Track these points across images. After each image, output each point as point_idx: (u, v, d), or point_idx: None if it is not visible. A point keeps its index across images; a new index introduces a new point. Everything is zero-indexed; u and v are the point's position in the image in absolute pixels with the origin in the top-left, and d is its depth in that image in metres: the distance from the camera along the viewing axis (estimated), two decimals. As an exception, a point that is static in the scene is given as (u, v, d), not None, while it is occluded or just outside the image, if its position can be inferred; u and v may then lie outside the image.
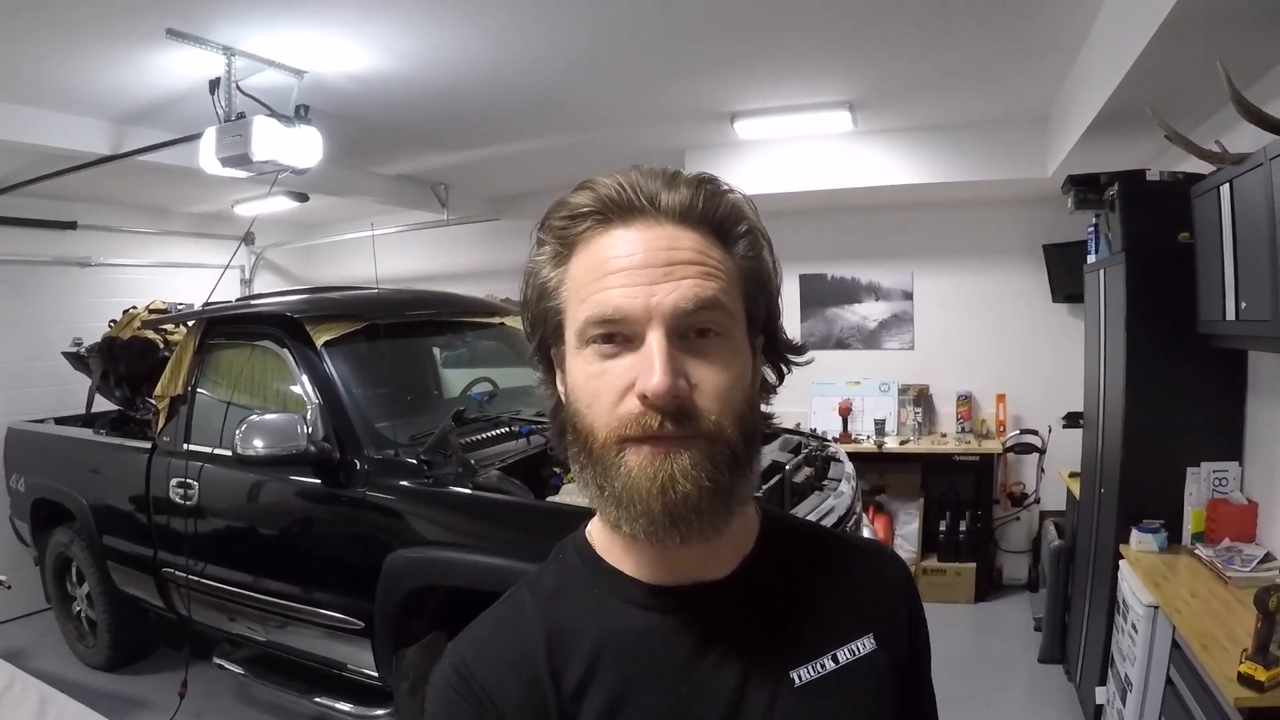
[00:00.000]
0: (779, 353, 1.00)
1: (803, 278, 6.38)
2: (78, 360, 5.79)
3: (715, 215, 0.90)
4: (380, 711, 3.62)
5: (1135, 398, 3.55)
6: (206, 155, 3.81)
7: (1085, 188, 3.90)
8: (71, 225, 6.46)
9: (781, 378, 1.00)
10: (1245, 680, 2.27)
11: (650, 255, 0.84)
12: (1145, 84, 3.06)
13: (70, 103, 4.22)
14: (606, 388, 0.83)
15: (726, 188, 0.93)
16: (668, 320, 0.82)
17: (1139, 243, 3.55)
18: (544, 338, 0.94)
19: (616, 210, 0.88)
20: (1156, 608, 3.06)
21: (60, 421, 5.74)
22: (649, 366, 0.80)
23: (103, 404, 5.79)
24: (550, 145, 5.40)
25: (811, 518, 3.24)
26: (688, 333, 0.83)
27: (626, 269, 0.84)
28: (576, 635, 0.90)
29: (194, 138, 4.00)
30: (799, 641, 0.92)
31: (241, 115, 3.70)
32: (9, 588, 4.55)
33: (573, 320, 0.87)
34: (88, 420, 5.69)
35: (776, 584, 0.94)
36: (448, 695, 0.91)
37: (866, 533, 4.04)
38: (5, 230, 6.05)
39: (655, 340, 0.81)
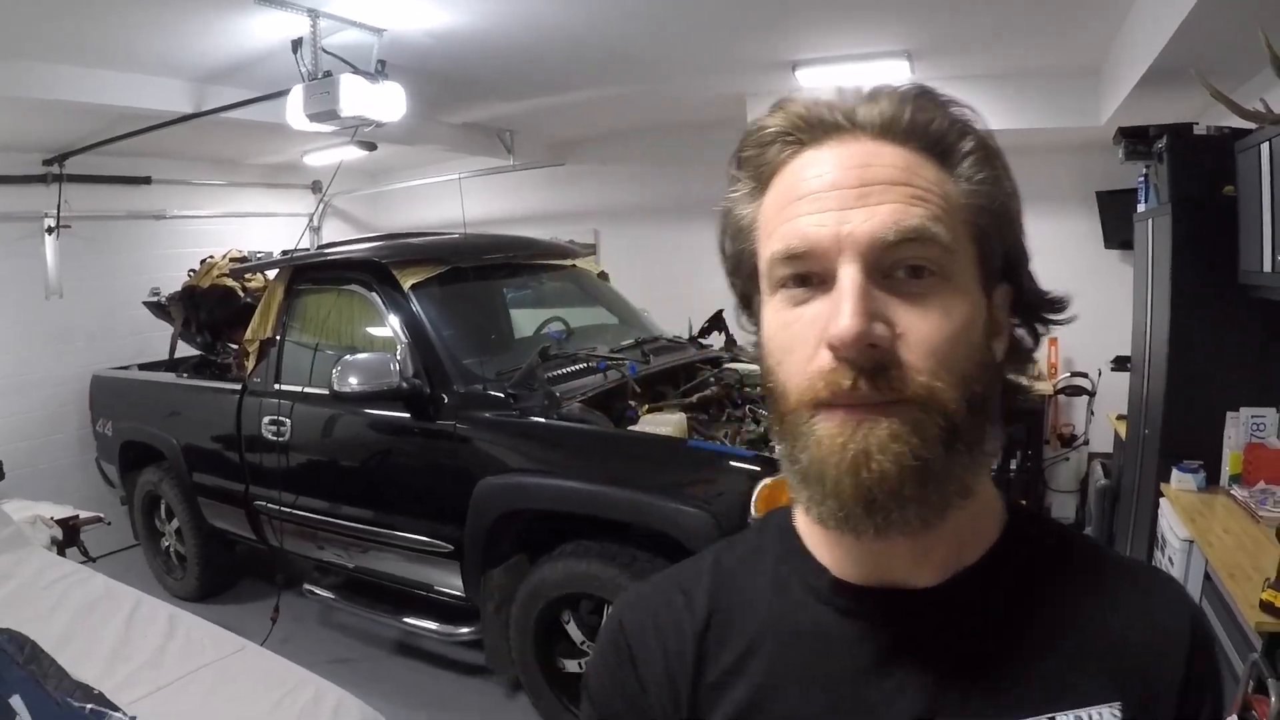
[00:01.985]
0: (1030, 308, 0.81)
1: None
2: (159, 309, 6.03)
3: (929, 129, 0.73)
4: (465, 629, 3.89)
5: (1179, 343, 3.65)
6: (294, 112, 3.97)
7: (1135, 139, 3.98)
8: (146, 180, 6.68)
9: (1037, 340, 0.82)
10: (1266, 607, 2.42)
11: (841, 175, 0.70)
12: (1192, 42, 3.13)
13: (155, 65, 4.38)
14: (798, 339, 0.70)
15: (947, 98, 0.76)
16: (863, 252, 0.67)
17: (1185, 194, 3.62)
18: (744, 288, 0.83)
19: (808, 130, 0.74)
20: (1192, 542, 3.20)
21: (143, 368, 6.01)
22: (837, 307, 0.66)
23: (183, 349, 6.07)
24: (614, 93, 5.53)
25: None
26: (894, 270, 0.68)
27: (814, 193, 0.70)
28: (741, 617, 0.81)
29: (277, 95, 4.16)
30: (1011, 689, 0.72)
31: (328, 74, 3.87)
32: (109, 524, 4.83)
33: (763, 261, 0.76)
34: (170, 366, 5.95)
35: (999, 607, 0.75)
36: (603, 642, 0.88)
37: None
38: (84, 187, 6.26)
39: (847, 276, 0.67)
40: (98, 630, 2.74)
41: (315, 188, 8.14)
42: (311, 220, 8.13)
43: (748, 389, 4.12)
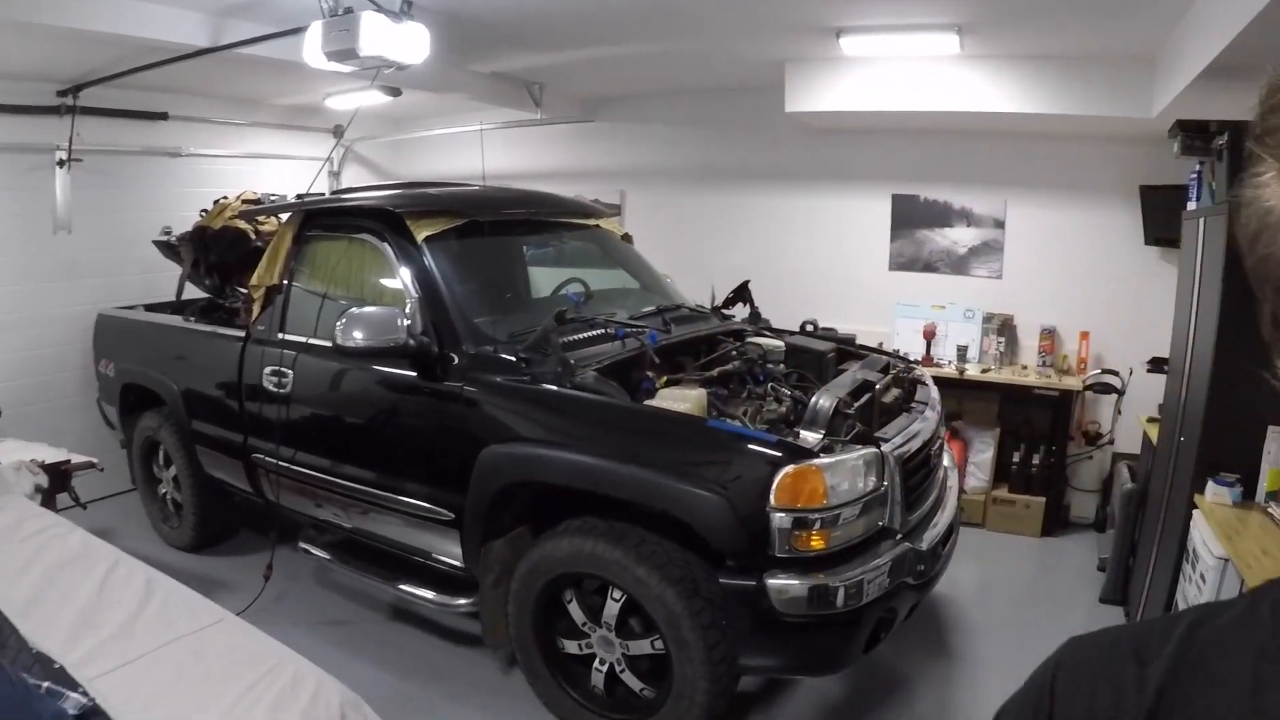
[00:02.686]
0: None
1: (895, 197, 6.28)
2: (168, 249, 5.85)
3: None
4: (462, 600, 3.72)
5: (1225, 350, 3.44)
6: (311, 49, 3.79)
7: (1194, 134, 3.80)
8: (163, 116, 6.49)
9: None
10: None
11: None
12: (1266, 36, 2.92)
13: None
14: None
15: None
16: None
17: (1245, 194, 3.44)
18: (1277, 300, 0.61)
19: None
20: (1227, 560, 3.05)
21: (149, 309, 5.83)
22: None
23: (192, 292, 5.89)
24: (648, 50, 5.31)
25: (898, 440, 3.25)
26: None
27: None
28: (1201, 715, 0.62)
29: (295, 31, 3.98)
30: None
31: (349, 10, 3.69)
32: (101, 470, 4.70)
33: None
34: (177, 308, 5.77)
35: None
36: (1030, 687, 0.74)
37: (946, 459, 4.04)
38: (98, 120, 6.07)
39: None
40: (69, 593, 2.59)
41: (336, 132, 7.86)
42: (330, 164, 7.98)
43: (770, 365, 3.95)
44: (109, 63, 5.31)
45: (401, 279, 3.80)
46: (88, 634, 2.35)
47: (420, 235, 3.84)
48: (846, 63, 5.24)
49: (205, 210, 5.62)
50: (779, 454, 2.82)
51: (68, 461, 4.45)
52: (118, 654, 2.26)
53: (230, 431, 4.60)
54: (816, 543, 2.81)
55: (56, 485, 4.36)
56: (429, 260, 3.79)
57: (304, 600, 4.70)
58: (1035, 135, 5.70)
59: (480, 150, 6.53)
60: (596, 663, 3.33)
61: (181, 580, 4.73)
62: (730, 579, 2.91)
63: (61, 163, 5.88)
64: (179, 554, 5.32)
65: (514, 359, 3.44)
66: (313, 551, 4.35)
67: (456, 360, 3.53)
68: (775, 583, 2.82)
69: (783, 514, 2.76)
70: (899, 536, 3.11)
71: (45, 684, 1.91)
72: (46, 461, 4.32)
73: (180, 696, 2.10)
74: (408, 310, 3.63)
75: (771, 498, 2.75)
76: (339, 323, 3.49)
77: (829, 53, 5.04)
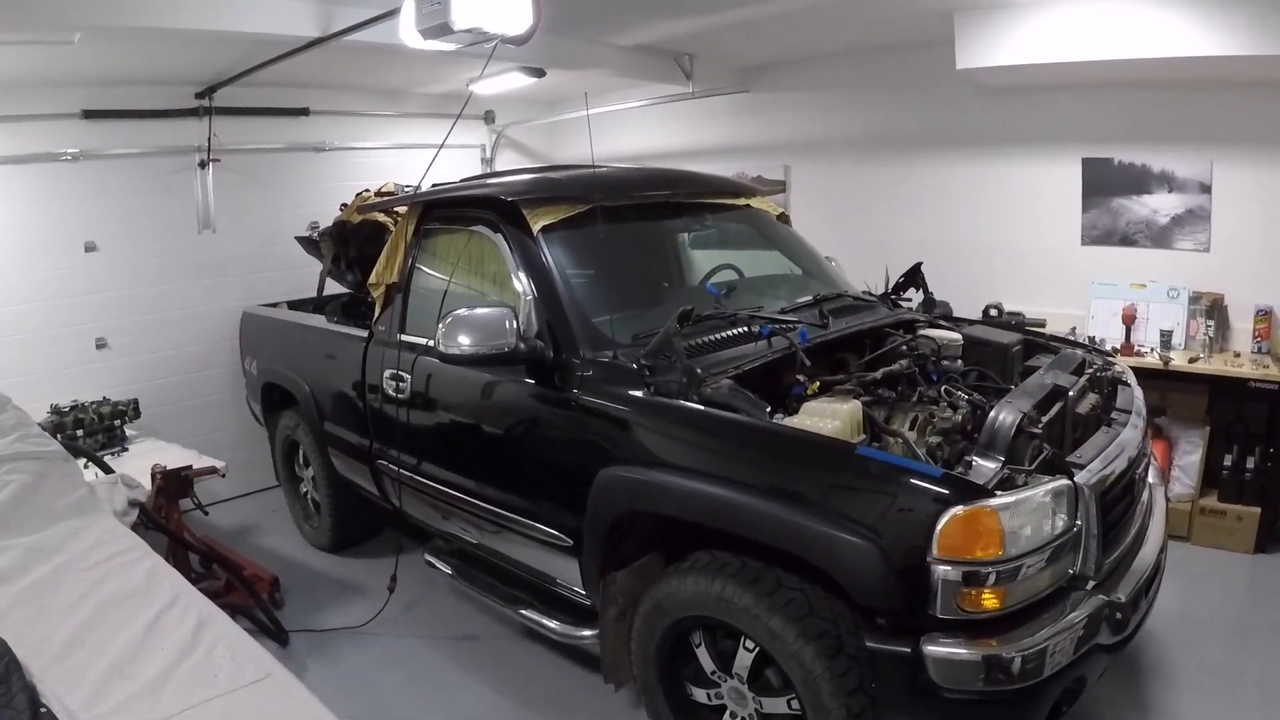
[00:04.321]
0: None
1: (1085, 162, 5.53)
2: (310, 245, 5.81)
3: None
4: (588, 633, 3.38)
5: None
6: (406, 28, 3.53)
7: None
8: (304, 111, 6.50)
9: None
10: None
11: None
12: None
13: None
14: None
15: None
16: None
17: None
18: None
19: None
20: None
21: (292, 306, 5.83)
22: None
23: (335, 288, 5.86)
24: (805, 6, 4.81)
25: (1096, 465, 2.65)
26: None
27: None
28: None
29: (390, 14, 3.77)
30: None
31: (442, -18, 3.38)
32: (223, 475, 4.64)
33: None
34: (319, 304, 5.72)
35: None
36: None
37: (1151, 474, 3.38)
38: (238, 120, 6.12)
39: None
40: (114, 634, 2.41)
41: (488, 118, 7.83)
42: (484, 150, 7.87)
43: (945, 361, 3.40)
44: (235, 62, 5.32)
45: (515, 275, 3.47)
46: (117, 686, 2.16)
47: (536, 225, 3.48)
48: (1022, 9, 4.64)
49: (345, 204, 5.51)
50: (945, 491, 2.28)
51: (190, 468, 4.36)
52: (141, 713, 2.05)
53: (356, 435, 4.45)
54: (990, 602, 2.27)
55: (178, 491, 4.30)
56: (545, 253, 3.44)
57: (435, 611, 4.53)
58: (1245, 84, 4.85)
59: (642, 128, 6.21)
60: (727, 716, 2.91)
61: (316, 581, 4.88)
62: (879, 642, 2.40)
63: (203, 163, 5.96)
64: (319, 554, 5.30)
65: (635, 367, 3.01)
66: (437, 564, 4.14)
67: (571, 367, 3.16)
68: (935, 650, 2.29)
69: (948, 566, 2.23)
70: (1092, 585, 2.52)
71: None
72: (168, 467, 4.25)
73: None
74: (520, 310, 3.28)
75: (934, 546, 2.23)
76: (441, 326, 3.17)
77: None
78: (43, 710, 1.91)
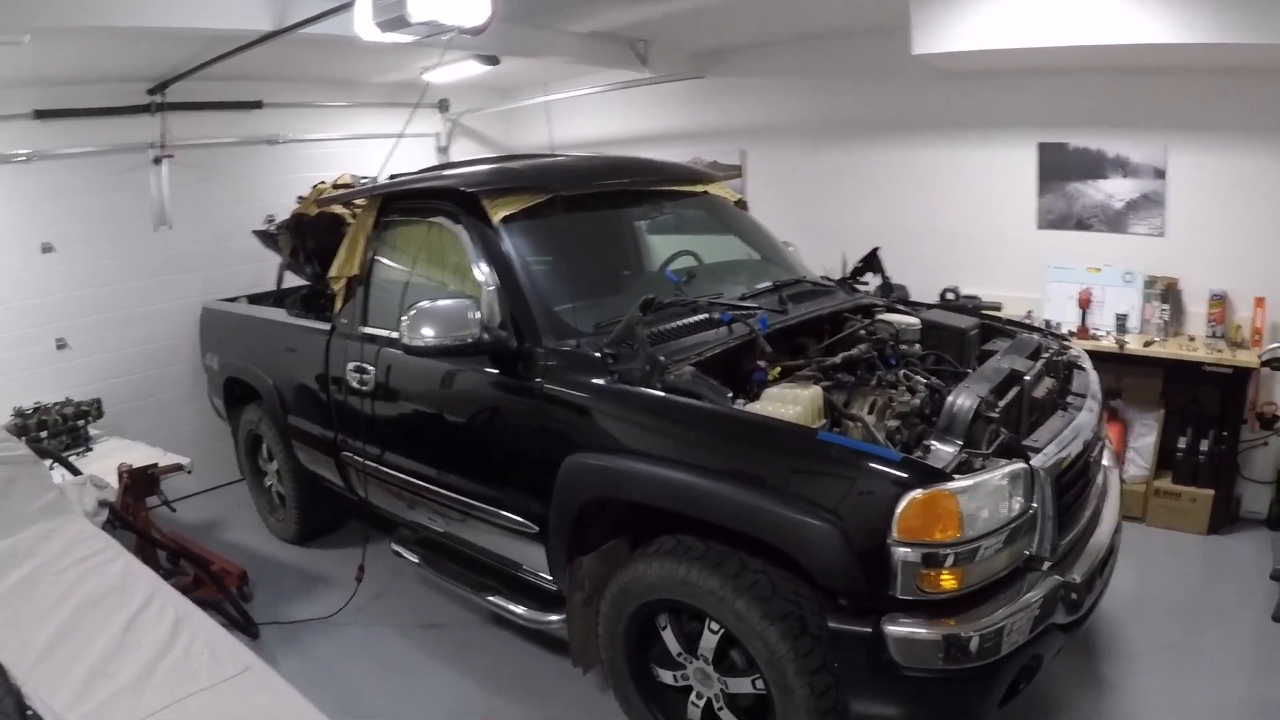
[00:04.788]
0: None
1: (1041, 147, 5.58)
2: (267, 238, 5.76)
3: None
4: (554, 618, 3.41)
5: None
6: (363, 21, 3.52)
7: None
8: (257, 105, 6.45)
9: None
10: None
11: None
12: None
13: None
14: None
15: None
16: None
17: None
18: None
19: None
20: None
21: (252, 300, 5.79)
22: None
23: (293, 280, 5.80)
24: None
25: (1051, 449, 2.71)
26: None
27: None
28: None
29: (345, 7, 3.75)
30: None
31: (396, -27, 3.36)
32: (189, 472, 4.62)
33: None
34: (278, 298, 5.68)
35: None
36: None
37: (1106, 457, 3.45)
38: (192, 115, 6.07)
39: None
40: (93, 634, 2.42)
41: (443, 106, 7.79)
42: (438, 139, 7.83)
43: (903, 345, 3.44)
44: (189, 57, 5.27)
45: (477, 266, 3.47)
46: (99, 686, 2.18)
47: (497, 216, 3.49)
48: (975, -6, 4.63)
49: (302, 196, 5.47)
50: (904, 475, 2.33)
51: (156, 465, 4.33)
52: (125, 711, 2.08)
53: (320, 428, 4.44)
54: (948, 582, 2.31)
55: (144, 489, 4.26)
56: (507, 244, 3.44)
57: (403, 600, 4.55)
58: (1200, 70, 4.91)
59: (597, 115, 6.16)
60: (693, 696, 2.95)
61: (283, 574, 4.87)
62: (841, 623, 2.44)
63: (157, 160, 5.90)
64: (286, 546, 5.29)
65: (598, 355, 3.03)
66: (404, 554, 4.15)
67: (534, 357, 3.18)
68: (896, 630, 2.34)
69: (908, 548, 2.27)
70: (1048, 566, 2.58)
71: None
72: (134, 465, 4.22)
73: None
74: (484, 301, 3.29)
75: (894, 529, 2.27)
76: (404, 318, 3.17)
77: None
78: (29, 713, 1.95)
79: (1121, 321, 5.17)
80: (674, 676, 2.99)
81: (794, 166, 6.64)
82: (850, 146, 6.32)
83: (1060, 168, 5.53)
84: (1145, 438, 5.15)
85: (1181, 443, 5.10)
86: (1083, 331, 5.21)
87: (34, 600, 2.65)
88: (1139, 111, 5.22)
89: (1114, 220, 5.41)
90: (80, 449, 4.99)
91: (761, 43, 6.44)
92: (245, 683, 2.19)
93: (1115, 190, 5.37)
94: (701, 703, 2.93)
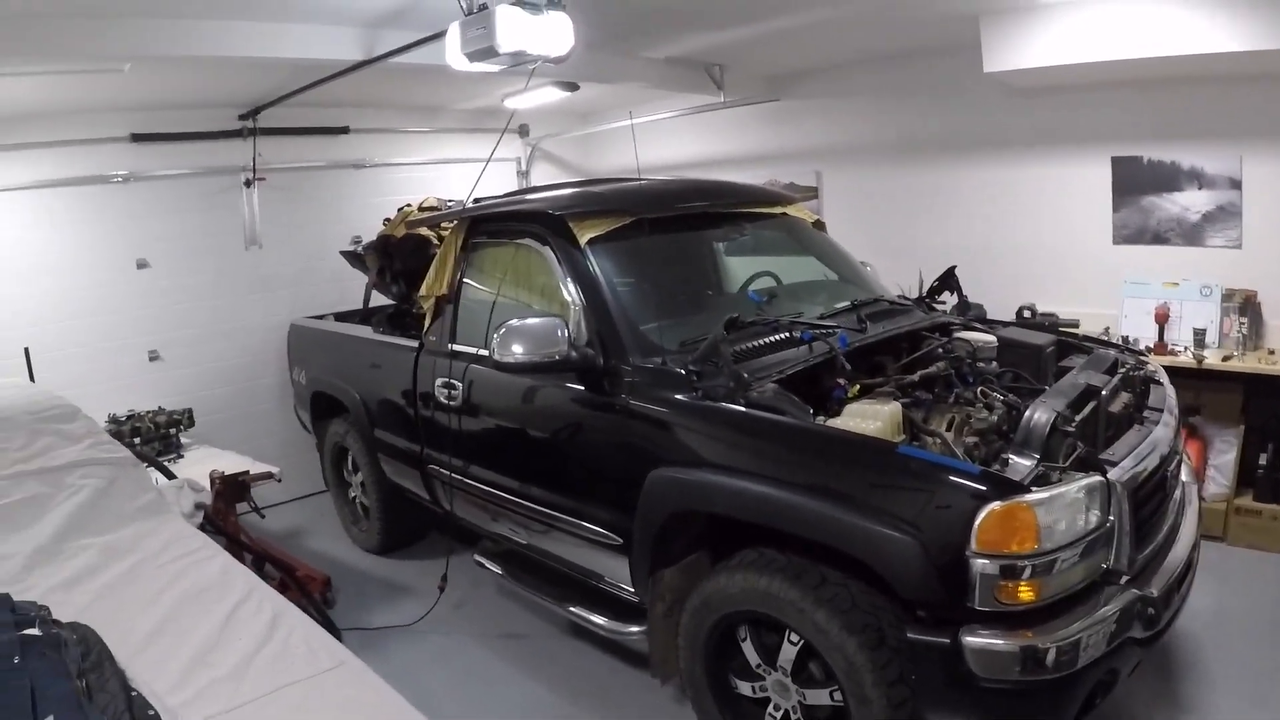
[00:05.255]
0: None
1: (1115, 160, 5.54)
2: (355, 258, 5.97)
3: None
4: (634, 629, 3.47)
5: None
6: (452, 51, 3.64)
7: None
8: (344, 130, 6.70)
9: None
10: None
11: None
12: None
13: (321, 13, 4.24)
14: None
15: None
16: None
17: None
18: None
19: None
20: None
21: (339, 318, 5.99)
22: None
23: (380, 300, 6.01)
24: (832, 17, 4.90)
25: (1128, 463, 2.73)
26: None
27: None
28: None
29: (436, 37, 3.88)
30: None
31: (484, 7, 3.49)
32: (279, 480, 4.78)
33: None
34: (365, 316, 5.88)
35: None
36: None
37: (1184, 472, 3.45)
38: (282, 139, 6.34)
39: None
40: (194, 625, 2.54)
41: (523, 131, 7.98)
42: (519, 164, 8.00)
43: (980, 363, 3.48)
44: (279, 84, 5.48)
45: (564, 286, 3.59)
46: (200, 673, 2.29)
47: (584, 238, 3.61)
48: (1047, 11, 4.67)
49: (388, 219, 5.67)
50: (983, 488, 2.38)
51: (246, 473, 4.50)
52: (226, 698, 2.17)
53: (407, 441, 4.58)
54: (1026, 594, 2.36)
55: (235, 495, 4.43)
56: (593, 264, 3.56)
57: (483, 610, 4.64)
58: (1273, 77, 4.84)
59: (674, 139, 6.21)
60: (771, 708, 3.01)
61: (365, 582, 5.01)
62: (920, 633, 2.49)
63: (248, 182, 6.18)
64: (367, 556, 5.43)
65: (683, 372, 3.13)
66: (486, 565, 4.26)
67: (621, 374, 3.28)
68: (974, 641, 2.38)
69: (986, 560, 2.33)
70: (1125, 580, 2.60)
71: None
72: (226, 472, 4.40)
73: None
74: (571, 320, 3.42)
75: (973, 540, 2.33)
76: (495, 336, 3.31)
77: (1027, 1, 4.47)
78: (134, 694, 2.01)
79: (1200, 336, 5.08)
80: (752, 688, 3.04)
81: (869, 187, 6.67)
82: (924, 166, 6.33)
83: (1134, 181, 5.48)
84: (1225, 455, 5.07)
85: (1262, 459, 4.99)
86: (1160, 347, 5.15)
87: (135, 592, 2.76)
88: (1212, 122, 5.16)
89: (1190, 233, 5.34)
90: (172, 455, 5.18)
91: (834, 65, 6.50)
92: (340, 676, 2.28)
93: (1190, 203, 5.31)
94: (779, 714, 2.98)
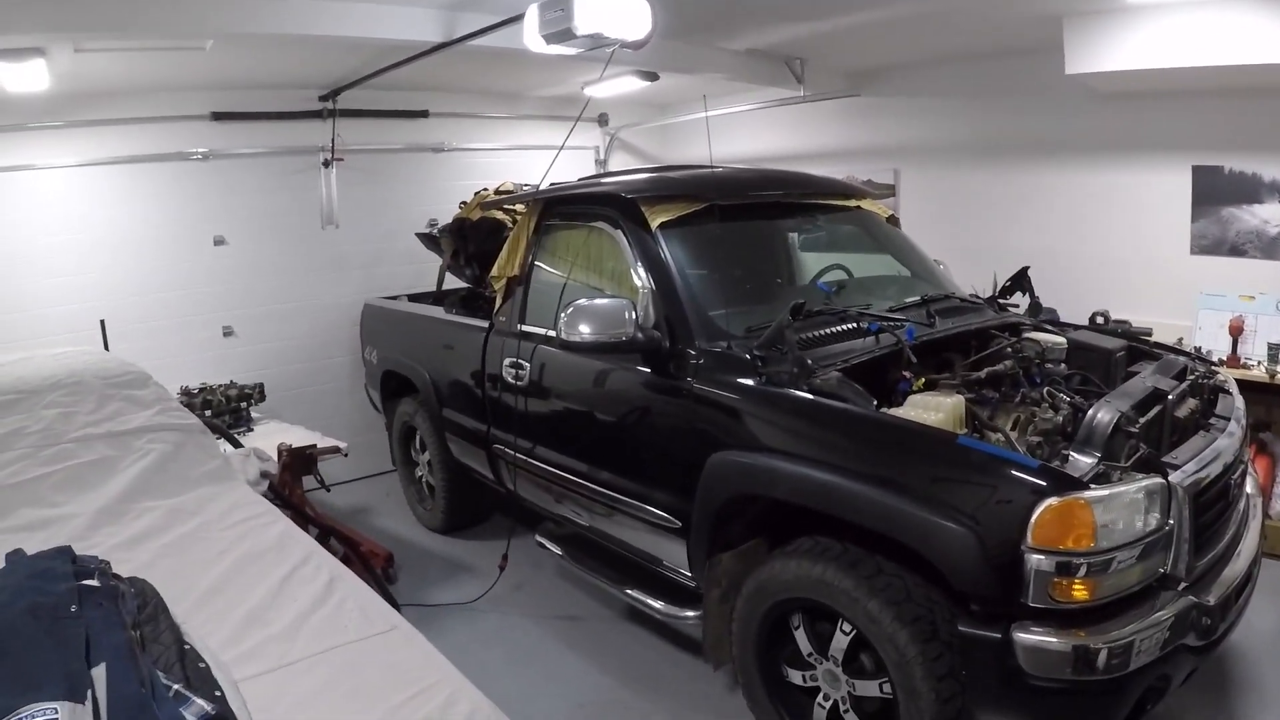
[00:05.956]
0: None
1: (1195, 170, 5.40)
2: (430, 240, 6.08)
3: None
4: (691, 613, 3.50)
5: None
6: (530, 33, 3.68)
7: None
8: (424, 114, 6.79)
9: None
10: None
11: None
12: None
13: None
14: None
15: None
16: None
17: None
18: None
19: None
20: None
21: (412, 299, 6.08)
22: None
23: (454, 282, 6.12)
24: (914, 13, 4.85)
25: (1191, 466, 2.69)
26: None
27: None
28: None
29: (519, 18, 3.90)
30: None
31: (564, -12, 3.54)
32: (345, 455, 4.87)
33: None
34: (438, 298, 5.99)
35: None
36: None
37: (1250, 483, 3.37)
38: (361, 121, 6.45)
39: None
40: (252, 585, 2.60)
41: (602, 120, 8.03)
42: (597, 152, 8.08)
43: (1049, 364, 3.43)
44: (359, 66, 5.56)
45: (634, 269, 3.64)
46: (254, 631, 2.33)
47: (655, 222, 3.65)
48: (1133, 13, 4.57)
49: (464, 202, 5.75)
50: (1041, 482, 2.37)
51: (314, 446, 4.61)
52: (276, 655, 2.21)
53: (474, 420, 4.66)
54: (1080, 593, 2.34)
55: (302, 468, 4.52)
56: (663, 249, 3.60)
57: (541, 592, 4.70)
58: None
59: (754, 131, 6.17)
60: (820, 698, 3.02)
61: (427, 560, 5.10)
62: (971, 627, 2.49)
63: (326, 163, 6.29)
64: (431, 535, 5.54)
65: (748, 357, 3.15)
66: (547, 546, 4.31)
67: (687, 357, 3.31)
68: (1026, 638, 2.37)
69: (1041, 556, 2.31)
70: (1182, 587, 2.56)
71: (175, 687, 1.85)
72: (294, 445, 4.49)
73: (321, 709, 2.01)
74: (639, 303, 3.46)
75: (1029, 535, 2.32)
76: (563, 315, 3.37)
77: (1108, 5, 4.39)
78: (187, 647, 2.06)
79: (1274, 351, 4.95)
80: (803, 677, 3.06)
81: (945, 186, 6.59)
82: (1003, 167, 6.24)
83: (1214, 192, 5.34)
84: (1295, 473, 4.94)
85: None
86: (1233, 360, 5.02)
87: (196, 553, 2.83)
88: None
89: (1269, 247, 5.20)
90: (242, 429, 5.31)
91: (914, 63, 6.43)
92: (391, 640, 2.31)
93: (1271, 215, 5.16)
94: (828, 704, 2.99)
